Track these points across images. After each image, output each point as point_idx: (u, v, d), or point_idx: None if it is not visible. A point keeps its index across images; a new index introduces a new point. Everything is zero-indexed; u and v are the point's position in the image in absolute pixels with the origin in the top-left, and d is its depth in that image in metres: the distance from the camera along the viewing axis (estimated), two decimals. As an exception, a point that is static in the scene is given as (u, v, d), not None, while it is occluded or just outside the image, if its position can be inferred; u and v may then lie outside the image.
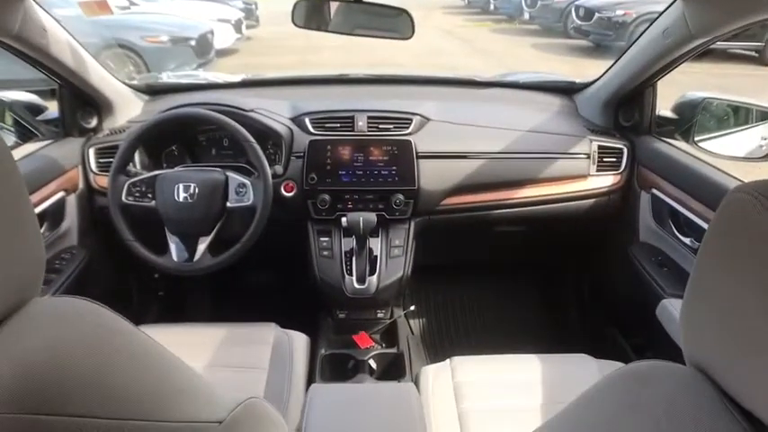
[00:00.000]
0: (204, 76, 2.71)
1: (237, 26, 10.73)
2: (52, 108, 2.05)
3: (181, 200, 1.74)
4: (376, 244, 1.92)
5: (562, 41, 11.80)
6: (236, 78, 2.45)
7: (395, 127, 1.96)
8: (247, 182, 1.78)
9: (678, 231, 1.79)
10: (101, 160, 1.98)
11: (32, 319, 0.58)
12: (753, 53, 9.73)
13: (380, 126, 1.96)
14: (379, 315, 2.00)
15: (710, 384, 0.57)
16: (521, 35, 13.19)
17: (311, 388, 1.31)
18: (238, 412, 0.74)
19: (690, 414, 0.56)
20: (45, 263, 0.65)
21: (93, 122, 2.05)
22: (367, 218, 1.79)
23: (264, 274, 2.62)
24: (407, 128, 1.96)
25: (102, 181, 1.94)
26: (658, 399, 0.60)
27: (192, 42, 8.18)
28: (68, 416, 0.53)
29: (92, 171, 1.98)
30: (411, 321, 2.46)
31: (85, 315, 0.63)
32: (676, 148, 1.91)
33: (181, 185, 1.75)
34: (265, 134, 1.92)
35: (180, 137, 2.05)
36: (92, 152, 1.98)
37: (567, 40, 11.73)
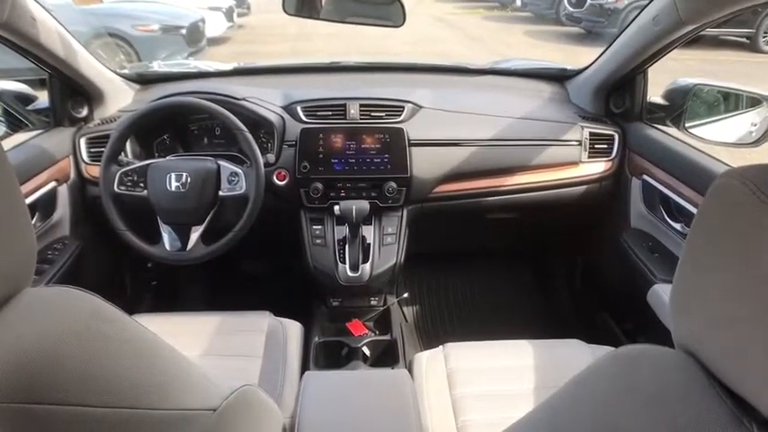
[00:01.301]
0: (195, 64, 2.69)
1: (229, 14, 10.65)
2: (42, 98, 2.03)
3: (173, 189, 1.74)
4: (369, 232, 1.92)
5: (554, 28, 11.79)
6: (228, 67, 2.43)
7: (387, 115, 1.96)
8: (239, 171, 1.78)
9: (669, 217, 1.80)
10: (92, 150, 1.97)
11: (24, 309, 0.58)
12: (744, 40, 9.76)
13: (372, 114, 1.96)
14: (373, 302, 2.01)
15: (699, 367, 0.58)
16: (513, 22, 13.16)
17: (305, 375, 1.31)
18: (232, 400, 0.74)
19: (679, 397, 0.57)
20: (36, 253, 0.65)
21: (84, 112, 2.04)
22: (360, 206, 1.79)
23: (258, 263, 2.62)
24: (399, 115, 1.96)
25: (94, 171, 1.93)
26: (648, 382, 0.61)
27: (183, 31, 8.12)
28: (61, 405, 0.54)
29: (83, 161, 1.97)
30: (404, 308, 2.46)
31: (78, 304, 0.63)
32: (667, 134, 1.92)
33: (173, 175, 1.74)
34: (257, 123, 1.91)
35: (171, 126, 2.05)
36: (83, 142, 1.97)
37: (560, 27, 11.73)
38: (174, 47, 7.84)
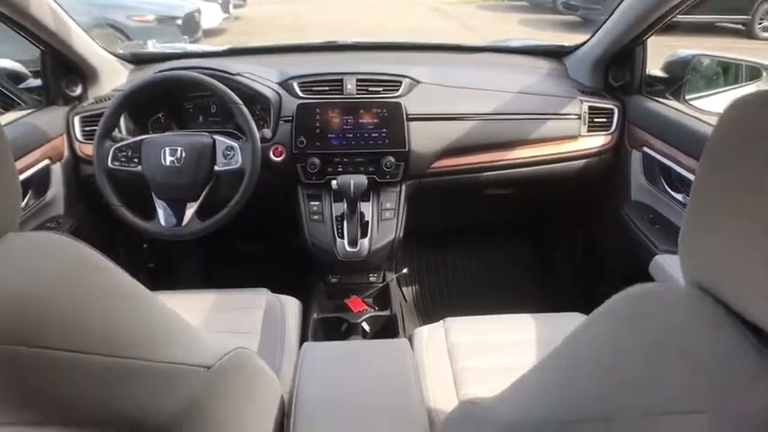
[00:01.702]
0: (187, 46, 2.67)
1: (225, 6, 10.62)
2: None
3: (167, 164, 1.71)
4: (367, 208, 1.90)
5: (551, 17, 11.76)
6: (222, 48, 2.41)
7: (384, 90, 1.94)
8: (235, 145, 1.75)
9: (670, 188, 1.79)
10: (86, 128, 1.95)
11: (8, 252, 0.57)
12: (740, 26, 9.75)
13: (370, 89, 1.94)
14: (372, 279, 1.99)
15: (712, 300, 0.56)
16: (509, 11, 13.13)
17: (303, 346, 1.29)
18: (227, 360, 0.72)
19: (695, 330, 0.55)
20: (21, 197, 0.63)
21: (78, 90, 2.02)
22: (358, 180, 1.77)
23: (255, 241, 2.60)
24: (397, 90, 1.93)
25: (88, 149, 1.91)
26: (662, 318, 0.58)
27: (179, 21, 8.11)
28: (50, 349, 0.52)
29: (77, 139, 1.95)
30: (404, 285, 2.45)
31: (65, 249, 0.61)
32: (667, 106, 1.90)
33: (167, 149, 1.72)
34: (253, 98, 1.89)
35: (166, 103, 2.02)
36: (77, 120, 1.95)
37: (556, 15, 11.69)
38: (169, 37, 7.76)
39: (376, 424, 1.04)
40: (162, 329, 0.68)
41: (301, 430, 0.99)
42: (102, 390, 0.56)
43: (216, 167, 1.75)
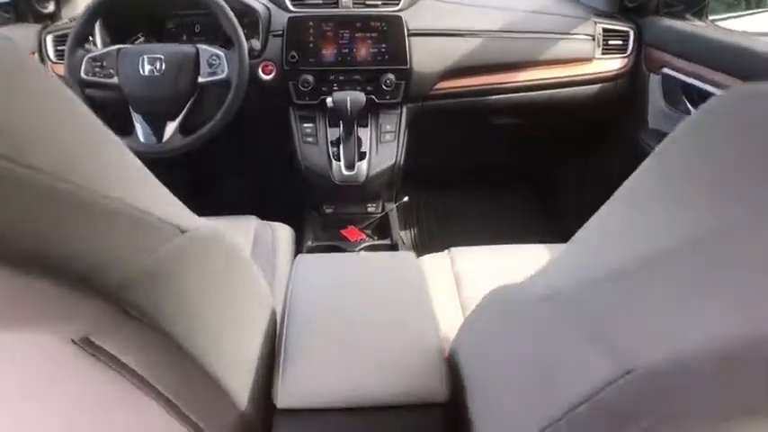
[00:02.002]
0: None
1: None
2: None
3: (146, 73, 1.56)
4: (365, 134, 1.76)
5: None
6: None
7: (383, 3, 1.79)
8: (221, 53, 1.60)
9: (693, 107, 1.65)
10: (59, 48, 1.79)
11: None
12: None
13: (367, 3, 1.79)
14: (370, 209, 1.85)
15: None
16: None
17: (297, 258, 1.15)
18: (207, 232, 0.61)
19: None
20: None
21: (50, 8, 1.87)
22: (355, 97, 1.62)
23: (244, 169, 2.46)
24: (397, 4, 1.78)
25: (61, 69, 1.75)
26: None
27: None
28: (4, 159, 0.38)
29: (49, 59, 1.80)
30: (403, 221, 2.30)
31: (6, 51, 0.46)
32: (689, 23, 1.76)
33: (146, 57, 1.57)
34: (239, 12, 1.71)
35: (147, 22, 1.86)
36: (49, 39, 1.80)
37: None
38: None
39: (384, 334, 0.89)
40: (127, 171, 0.55)
41: (294, 344, 0.85)
42: (48, 220, 0.42)
43: (200, 79, 1.60)
